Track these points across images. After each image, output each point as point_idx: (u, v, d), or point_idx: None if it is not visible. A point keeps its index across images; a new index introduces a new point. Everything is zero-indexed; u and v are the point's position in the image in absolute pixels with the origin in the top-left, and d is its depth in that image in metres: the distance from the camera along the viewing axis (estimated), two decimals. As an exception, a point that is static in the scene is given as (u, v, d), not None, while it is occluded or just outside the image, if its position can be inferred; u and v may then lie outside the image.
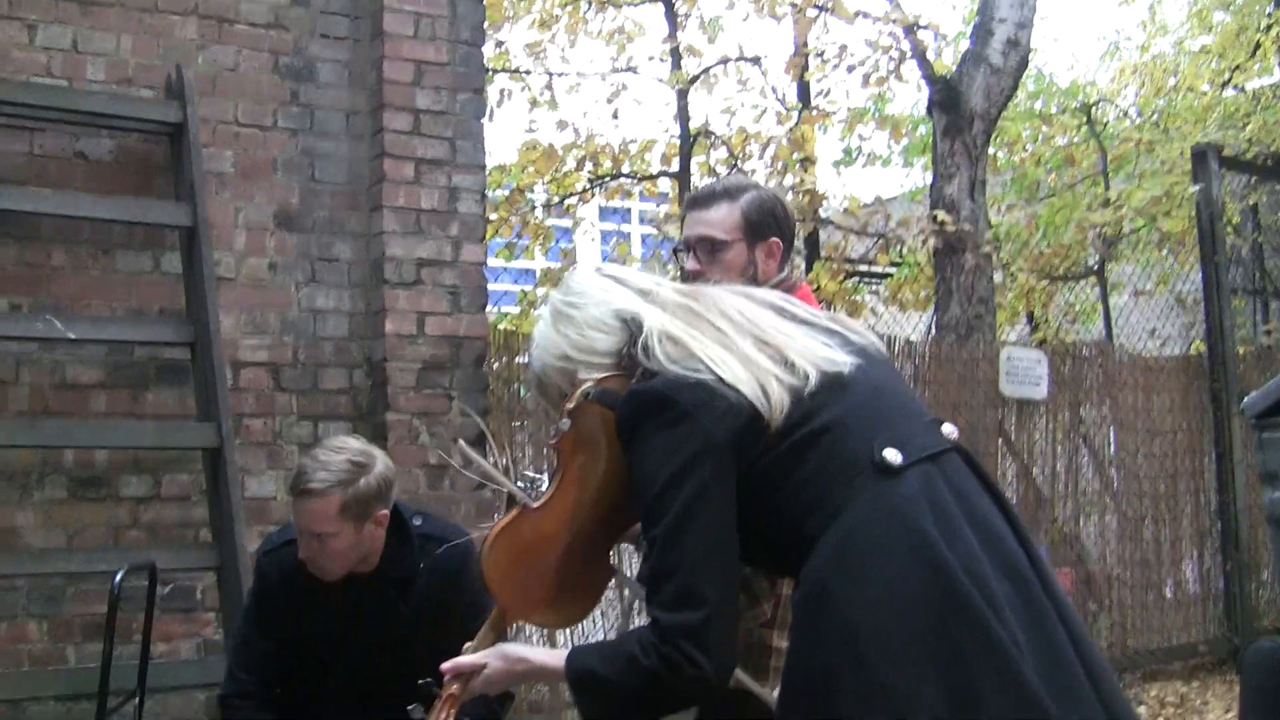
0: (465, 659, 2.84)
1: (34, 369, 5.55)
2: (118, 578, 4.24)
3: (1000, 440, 9.50)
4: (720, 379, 2.51)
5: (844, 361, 2.59)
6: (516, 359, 7.35)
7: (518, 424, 7.54)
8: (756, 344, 2.58)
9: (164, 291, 5.80)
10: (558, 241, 12.08)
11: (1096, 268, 14.29)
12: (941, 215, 10.57)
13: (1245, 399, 5.49)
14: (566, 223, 13.03)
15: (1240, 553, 10.22)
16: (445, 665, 2.85)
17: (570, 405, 2.70)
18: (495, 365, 7.30)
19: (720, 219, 3.67)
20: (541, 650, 2.89)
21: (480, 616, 4.26)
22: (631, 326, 2.68)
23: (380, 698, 4.22)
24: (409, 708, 2.95)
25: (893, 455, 2.47)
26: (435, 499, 6.01)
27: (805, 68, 13.04)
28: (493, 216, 11.00)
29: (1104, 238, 13.41)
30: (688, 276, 3.72)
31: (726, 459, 2.48)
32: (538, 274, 11.41)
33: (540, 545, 2.74)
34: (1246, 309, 14.45)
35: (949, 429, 2.65)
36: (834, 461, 2.49)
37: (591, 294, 2.78)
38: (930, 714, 2.29)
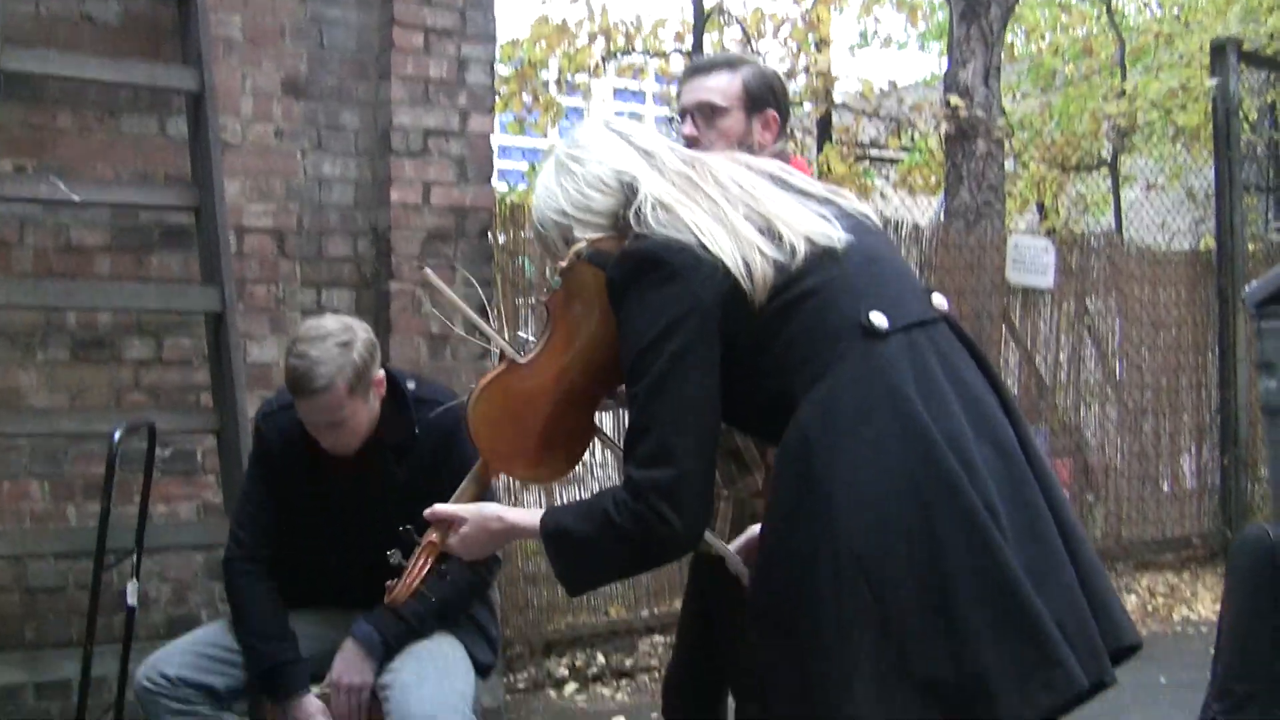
0: (445, 507, 2.87)
1: (38, 231, 5.54)
2: (116, 436, 4.27)
3: (1004, 327, 9.51)
4: (704, 247, 2.52)
5: (836, 235, 2.59)
6: (522, 233, 7.34)
7: (522, 299, 7.55)
8: (747, 214, 2.59)
9: (170, 156, 5.77)
10: (568, 118, 12.01)
11: (1109, 159, 14.21)
12: (955, 100, 10.49)
13: (1246, 288, 5.49)
14: (578, 101, 12.95)
15: (1238, 448, 10.27)
16: (426, 512, 2.88)
17: (563, 264, 2.72)
18: (501, 239, 7.29)
19: (720, 86, 3.68)
20: (518, 510, 2.92)
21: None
22: (628, 190, 2.68)
23: (379, 559, 4.27)
24: (388, 552, 2.97)
25: (879, 319, 2.49)
26: (436, 369, 6.03)
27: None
28: (503, 90, 10.93)
29: (1118, 129, 13.32)
30: (686, 144, 3.72)
31: (712, 321, 2.50)
32: (546, 150, 11.35)
33: (526, 400, 2.76)
34: (1258, 206, 14.39)
35: (939, 299, 2.68)
36: (821, 324, 2.51)
37: (595, 150, 2.76)
38: (897, 584, 2.34)
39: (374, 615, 4.16)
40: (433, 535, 2.88)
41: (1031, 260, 9.44)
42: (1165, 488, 10.44)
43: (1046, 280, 9.56)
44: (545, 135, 12.25)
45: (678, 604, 4.21)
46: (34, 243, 5.53)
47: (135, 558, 4.58)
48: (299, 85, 6.07)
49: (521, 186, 10.27)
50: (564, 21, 11.40)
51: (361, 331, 4.02)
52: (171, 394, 5.77)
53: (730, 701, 3.95)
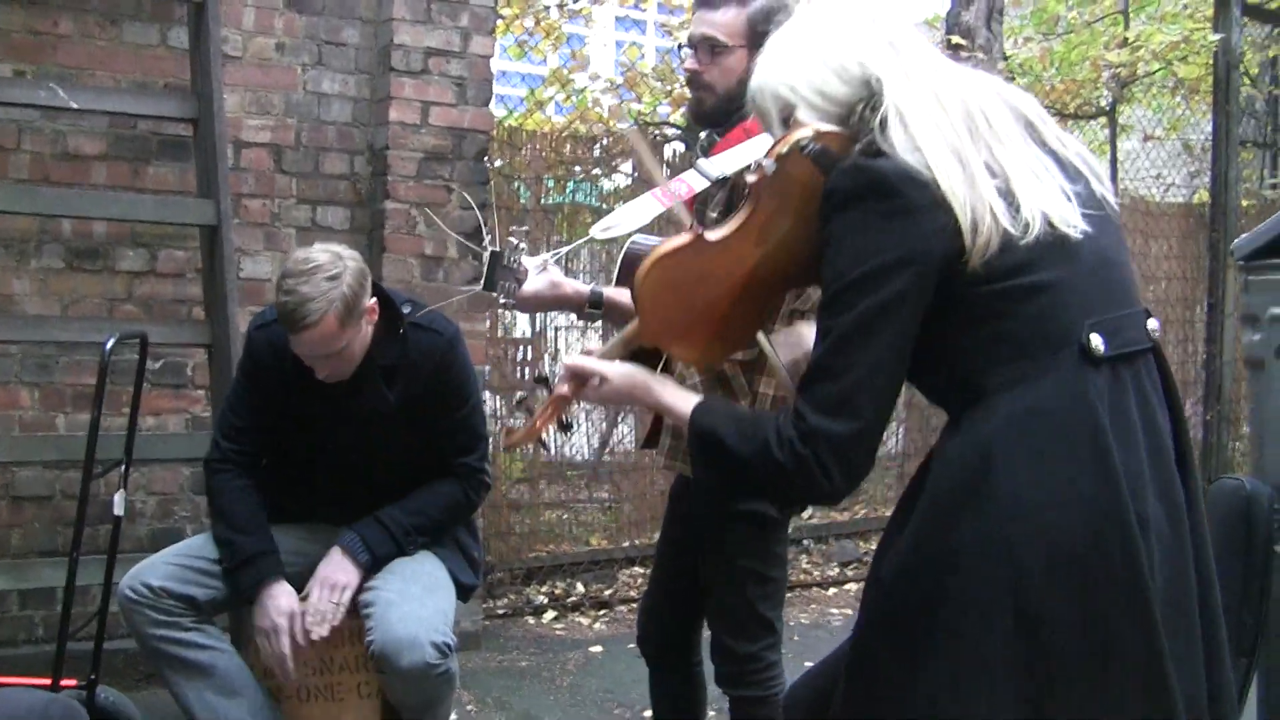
0: (587, 362, 2.70)
1: (35, 137, 5.54)
2: (108, 346, 4.26)
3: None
4: (938, 185, 2.28)
5: (1076, 223, 2.34)
6: (520, 156, 7.32)
7: (516, 225, 7.55)
8: (989, 160, 2.34)
9: (170, 66, 5.76)
10: (569, 44, 11.93)
11: (1108, 108, 14.18)
12: (956, 39, 10.45)
13: (1235, 241, 5.50)
14: (579, 27, 12.87)
15: (1222, 405, 10.31)
16: (567, 361, 2.73)
17: (783, 150, 2.45)
18: (499, 162, 7.28)
19: (726, 22, 3.63)
20: (672, 389, 2.65)
21: (464, 405, 4.34)
22: (869, 86, 2.42)
23: (363, 478, 4.29)
24: (517, 395, 2.88)
25: (1098, 342, 2.31)
26: (429, 290, 6.03)
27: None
28: (505, 13, 10.88)
29: (1118, 79, 13.28)
30: (688, 77, 3.71)
31: (930, 277, 2.28)
32: (547, 75, 11.28)
33: (701, 278, 2.56)
34: (1255, 162, 14.36)
35: (1154, 324, 2.48)
36: (1041, 328, 2.31)
37: (842, 29, 2.50)
38: (1054, 624, 2.24)
39: (361, 525, 4.19)
40: (564, 388, 2.74)
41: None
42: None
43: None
44: (545, 60, 12.17)
45: (659, 536, 4.22)
46: (31, 149, 5.53)
47: (123, 469, 4.58)
48: (301, 0, 6.05)
49: (520, 110, 10.22)
50: (567, -55, 11.33)
51: (350, 261, 3.99)
52: (164, 306, 5.78)
53: (705, 631, 3.98)
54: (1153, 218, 10.55)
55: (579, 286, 3.62)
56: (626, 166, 8.61)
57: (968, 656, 2.27)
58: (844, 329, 2.29)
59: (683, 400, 2.57)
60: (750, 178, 2.51)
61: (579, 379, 2.70)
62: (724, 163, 3.48)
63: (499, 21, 8.22)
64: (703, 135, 3.86)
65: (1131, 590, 2.24)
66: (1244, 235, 5.31)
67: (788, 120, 2.52)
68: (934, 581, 2.31)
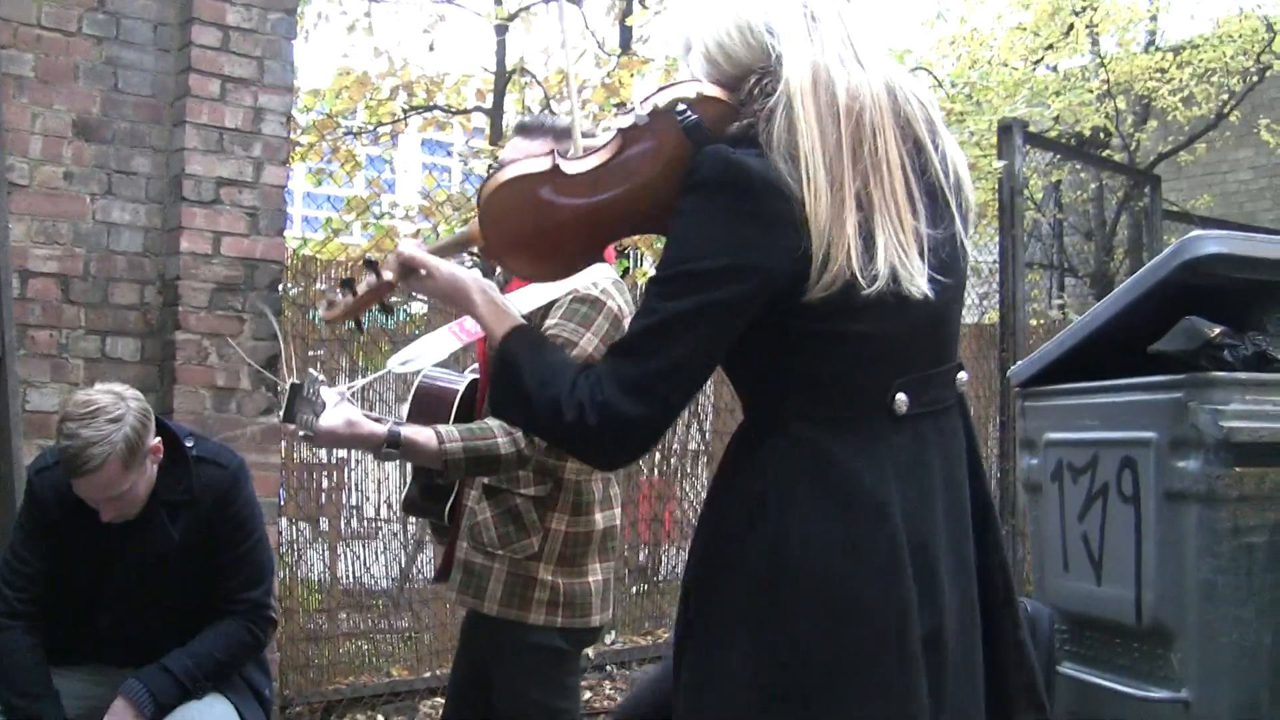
0: (418, 254, 2.64)
1: None
2: (-116, 483, 4.15)
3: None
4: (803, 206, 2.22)
5: (920, 287, 2.29)
6: (315, 285, 7.28)
7: (312, 351, 7.50)
8: (859, 193, 2.27)
9: (-48, 194, 5.65)
10: (367, 169, 11.96)
11: (900, 232, 14.50)
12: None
13: (1012, 368, 5.65)
14: (378, 150, 12.89)
15: (1015, 519, 10.51)
16: (400, 248, 2.66)
17: (660, 104, 2.40)
18: (293, 290, 7.23)
19: (538, 151, 3.65)
20: (497, 307, 2.58)
21: (247, 539, 4.29)
22: (769, 59, 2.34)
23: (147, 618, 4.21)
24: (343, 279, 2.82)
25: (903, 402, 2.33)
26: (221, 421, 5.95)
27: (628, 12, 13.04)
28: (304, 141, 10.86)
29: (909, 203, 13.60)
30: None
31: (766, 293, 2.24)
32: (345, 201, 11.29)
33: (549, 205, 2.51)
34: (1043, 283, 14.80)
35: (963, 377, 2.52)
36: (856, 377, 2.32)
37: None
38: (793, 643, 2.27)
39: (145, 673, 4.10)
40: (390, 275, 2.69)
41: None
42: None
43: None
44: (341, 186, 12.17)
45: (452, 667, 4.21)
46: None
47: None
48: (91, 128, 5.98)
49: (319, 236, 10.21)
50: (365, 73, 11.37)
51: (133, 401, 3.96)
52: (-56, 439, 5.61)
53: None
54: (945, 339, 10.77)
55: (375, 428, 3.57)
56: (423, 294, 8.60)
57: (717, 667, 2.34)
58: (668, 316, 2.26)
59: (497, 319, 2.54)
60: (622, 121, 2.46)
61: (407, 268, 2.65)
62: (523, 301, 3.52)
63: (297, 148, 8.20)
64: (499, 270, 3.89)
65: (886, 629, 2.27)
66: (1020, 362, 5.48)
67: (688, 58, 2.49)
68: (705, 599, 2.38)
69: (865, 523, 2.28)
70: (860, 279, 2.23)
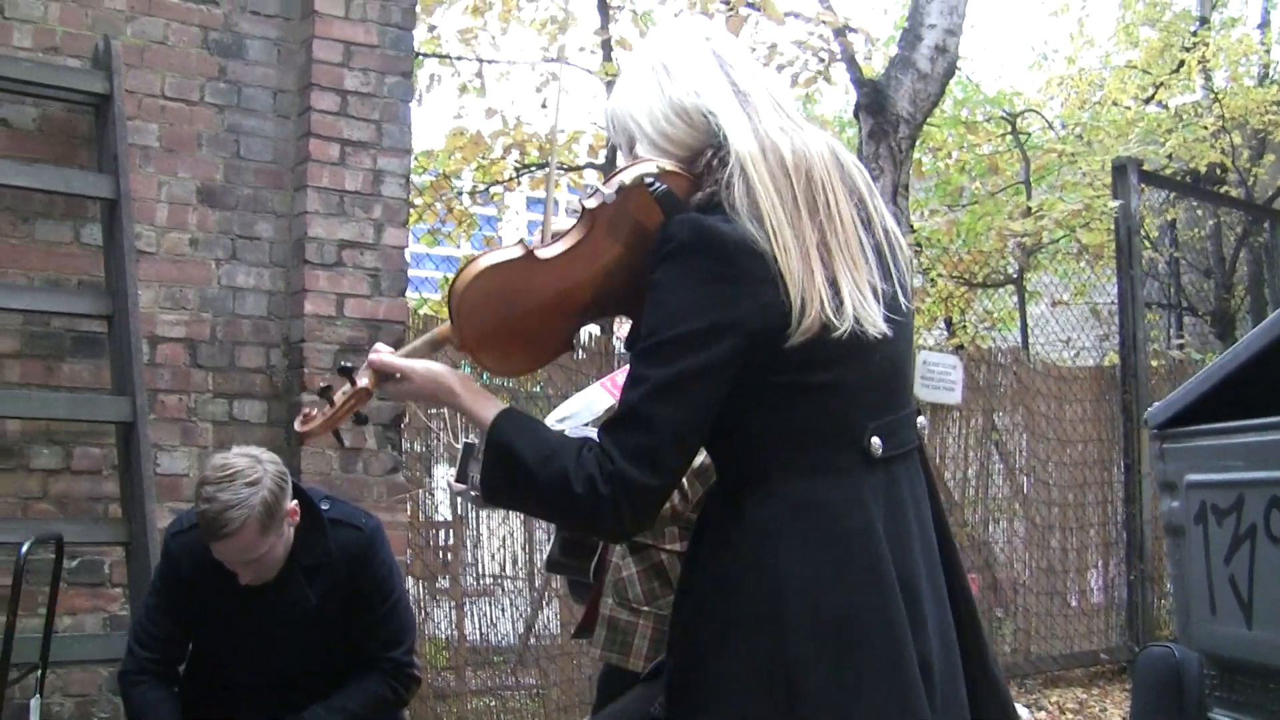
0: (390, 358, 2.65)
1: (-53, 336, 5.50)
2: (24, 548, 4.21)
3: (914, 443, 9.55)
4: (776, 262, 2.30)
5: (880, 328, 2.38)
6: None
7: (434, 411, 7.54)
8: (820, 243, 2.36)
9: (83, 263, 5.75)
10: (481, 229, 12.06)
11: (1015, 276, 14.42)
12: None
13: (1148, 410, 5.57)
14: (491, 210, 13.00)
15: (1144, 564, 10.36)
16: (374, 357, 2.66)
17: (625, 180, 2.46)
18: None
19: None
20: (475, 393, 2.59)
21: (387, 599, 4.30)
22: (713, 134, 2.45)
23: (285, 677, 4.23)
24: (319, 384, 2.85)
25: (876, 445, 2.40)
26: (349, 481, 6.00)
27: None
28: (418, 201, 10.96)
29: (1023, 247, 13.53)
30: None
31: (747, 350, 2.30)
32: (460, 261, 11.39)
33: (524, 293, 2.54)
34: (1161, 322, 14.62)
35: (922, 422, 2.62)
36: (831, 424, 2.38)
37: (686, 71, 2.52)
38: (803, 669, 2.30)
39: None
40: (366, 381, 2.69)
41: (939, 376, 9.53)
42: (1073, 603, 10.51)
43: (954, 396, 9.65)
44: (458, 246, 12.28)
45: (588, 722, 4.19)
46: (-57, 349, 5.48)
47: (40, 673, 4.50)
48: (215, 194, 6.08)
49: (435, 297, 10.27)
50: (478, 133, 11.47)
51: (270, 465, 3.97)
52: (79, 504, 5.69)
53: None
54: (1065, 382, 10.68)
55: None
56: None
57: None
58: (661, 383, 2.30)
59: (485, 406, 2.53)
60: (590, 202, 2.51)
61: (382, 374, 2.66)
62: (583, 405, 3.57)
63: (411, 210, 8.28)
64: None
65: (886, 650, 2.32)
66: (1156, 404, 5.38)
67: (632, 149, 2.56)
68: (707, 647, 2.39)
69: (858, 558, 2.34)
70: (834, 322, 2.32)
